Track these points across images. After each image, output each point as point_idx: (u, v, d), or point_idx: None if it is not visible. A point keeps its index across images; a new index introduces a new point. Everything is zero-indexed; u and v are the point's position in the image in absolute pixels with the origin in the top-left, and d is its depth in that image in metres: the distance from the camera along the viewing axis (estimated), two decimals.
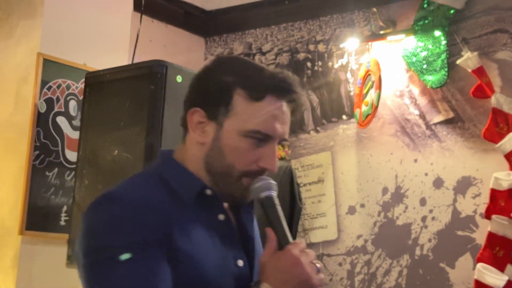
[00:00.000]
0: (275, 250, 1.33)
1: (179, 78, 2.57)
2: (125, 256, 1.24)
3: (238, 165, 1.36)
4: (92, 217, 1.31)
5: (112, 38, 3.26)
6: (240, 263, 1.38)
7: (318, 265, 1.31)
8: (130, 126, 2.60)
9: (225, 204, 1.45)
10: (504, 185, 2.93)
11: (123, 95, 2.65)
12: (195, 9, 4.20)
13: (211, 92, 1.40)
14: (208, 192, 1.40)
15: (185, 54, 4.22)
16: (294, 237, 3.67)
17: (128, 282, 1.24)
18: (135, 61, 3.24)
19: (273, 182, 1.38)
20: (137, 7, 3.38)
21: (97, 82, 2.74)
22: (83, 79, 2.79)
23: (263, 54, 4.08)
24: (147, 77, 2.58)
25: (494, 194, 2.96)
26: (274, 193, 1.38)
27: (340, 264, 3.53)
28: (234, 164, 1.37)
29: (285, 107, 1.39)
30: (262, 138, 1.36)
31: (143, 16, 3.40)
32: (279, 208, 1.36)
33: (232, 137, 1.37)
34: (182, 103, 2.60)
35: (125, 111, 2.63)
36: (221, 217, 1.40)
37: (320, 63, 3.82)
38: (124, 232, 1.26)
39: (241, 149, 1.36)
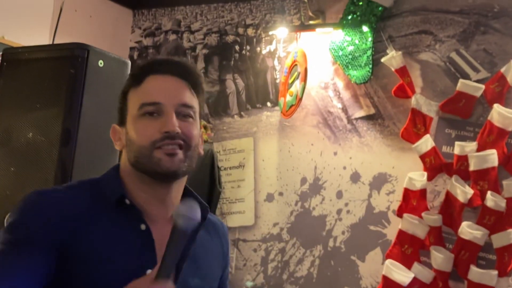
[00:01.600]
0: (149, 280, 1.27)
1: (100, 63, 2.50)
2: (9, 252, 1.30)
3: (144, 142, 1.41)
4: (18, 203, 1.38)
5: (33, 9, 3.15)
6: (149, 271, 1.33)
7: None
8: (47, 108, 2.52)
9: (164, 213, 1.45)
10: (417, 185, 3.00)
11: (42, 75, 2.55)
12: None
13: (118, 106, 1.50)
14: (127, 201, 1.43)
15: (112, 26, 4.12)
16: None
17: None
18: (59, 32, 3.13)
19: (197, 212, 1.31)
20: None
21: (15, 59, 2.64)
22: (1, 53, 2.68)
23: (192, 32, 4.02)
24: (67, 59, 2.50)
25: (407, 193, 3.04)
26: (191, 228, 1.29)
27: (255, 250, 3.56)
28: (141, 143, 1.41)
29: (170, 79, 1.45)
30: (153, 109, 1.41)
31: None
32: (181, 245, 1.29)
33: (132, 123, 1.44)
34: (103, 88, 2.58)
35: (43, 93, 2.54)
36: (143, 227, 1.42)
37: (248, 47, 3.80)
38: (18, 229, 1.33)
39: (140, 128, 1.42)
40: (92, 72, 2.47)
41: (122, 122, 1.49)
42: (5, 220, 1.38)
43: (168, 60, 1.49)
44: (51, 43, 3.06)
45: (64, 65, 2.48)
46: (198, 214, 1.32)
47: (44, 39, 3.09)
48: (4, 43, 2.83)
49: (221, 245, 1.60)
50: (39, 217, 1.34)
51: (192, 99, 1.46)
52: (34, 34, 2.86)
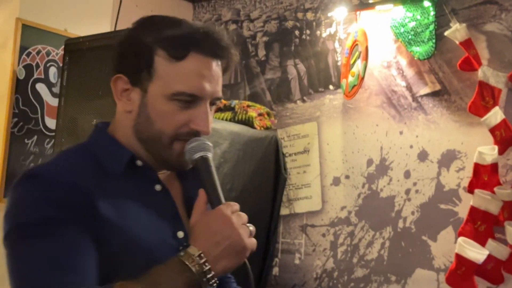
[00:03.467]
0: (205, 211, 1.26)
1: None
2: (42, 233, 1.19)
3: (167, 129, 1.31)
4: (11, 196, 1.26)
5: (94, 3, 3.21)
6: (180, 234, 1.33)
7: (251, 228, 1.25)
8: (109, 95, 2.56)
9: (165, 175, 1.40)
10: (488, 160, 2.90)
11: (103, 63, 2.61)
12: None
13: (132, 57, 1.33)
14: (139, 163, 1.34)
15: None
16: (278, 207, 3.66)
17: (45, 259, 1.17)
18: (119, 27, 3.19)
19: (208, 143, 1.33)
20: None
21: (76, 49, 2.71)
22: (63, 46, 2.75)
23: (251, 21, 4.02)
24: None
25: (478, 168, 2.94)
26: (210, 154, 1.32)
27: (323, 235, 3.52)
28: (163, 129, 1.31)
29: (213, 64, 1.32)
30: (189, 99, 1.30)
31: None
32: (213, 169, 1.31)
33: (158, 102, 1.31)
34: None
35: (105, 80, 2.59)
36: (158, 187, 1.35)
37: (308, 31, 3.77)
38: (42, 210, 1.21)
39: (168, 113, 1.30)
40: (117, 41, 2.50)
41: (136, 81, 1.33)
42: (6, 214, 1.25)
43: (215, 38, 1.34)
44: None
45: None
46: (206, 141, 1.33)
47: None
48: (66, 36, 2.90)
49: None
50: (58, 191, 1.23)
51: (221, 86, 1.39)
52: (96, 28, 2.92)
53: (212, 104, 1.36)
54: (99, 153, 1.34)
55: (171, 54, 1.30)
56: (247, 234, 1.23)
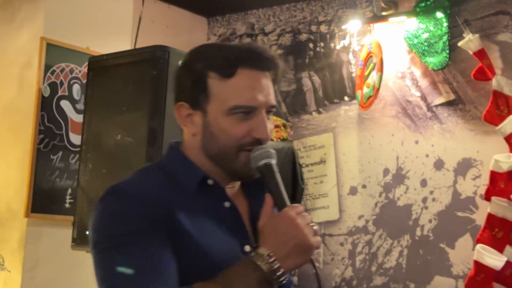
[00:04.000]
0: (272, 214, 1.35)
1: (181, 63, 2.59)
2: (129, 243, 1.30)
3: (231, 142, 1.39)
4: (98, 210, 1.37)
5: (114, 21, 3.28)
6: (247, 248, 1.41)
7: (315, 227, 1.32)
8: (133, 110, 2.63)
9: (232, 192, 1.49)
10: (504, 167, 2.95)
11: (126, 79, 2.67)
12: None
13: (188, 84, 1.43)
14: (210, 182, 1.43)
15: (188, 34, 4.23)
16: None
17: (133, 267, 1.28)
18: (138, 42, 3.26)
19: (271, 150, 1.41)
20: None
21: (100, 66, 2.77)
22: (86, 63, 2.82)
23: (266, 34, 4.08)
24: (149, 62, 2.61)
25: (494, 176, 2.98)
26: (273, 161, 1.40)
27: (341, 244, 3.57)
28: (227, 143, 1.40)
29: (261, 75, 1.42)
30: (246, 111, 1.38)
31: None
32: (277, 175, 1.39)
33: (218, 119, 1.40)
34: None
35: (128, 96, 2.66)
36: (227, 204, 1.44)
37: (322, 44, 3.83)
38: (127, 222, 1.32)
39: (229, 127, 1.39)
40: (173, 72, 2.56)
41: (196, 105, 1.44)
42: (94, 226, 1.36)
43: (259, 52, 1.44)
44: None
45: (147, 68, 2.59)
46: (270, 149, 1.40)
47: (125, 49, 3.22)
48: (89, 54, 2.97)
49: None
50: (141, 205, 1.33)
51: (274, 96, 1.48)
52: (116, 45, 2.99)
53: (268, 112, 1.45)
54: (174, 171, 1.44)
55: (221, 73, 1.40)
56: (312, 233, 1.31)
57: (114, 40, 3.15)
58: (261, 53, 1.43)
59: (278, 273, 1.29)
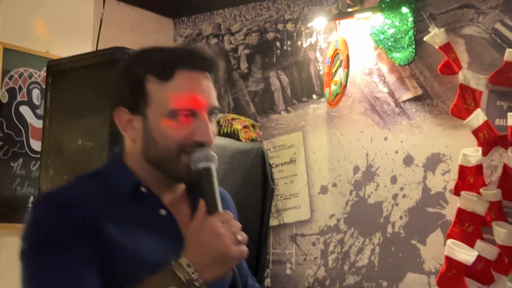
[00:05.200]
0: (201, 221, 1.32)
1: None
2: (55, 252, 1.30)
3: (171, 145, 1.37)
4: (29, 218, 1.36)
5: (75, 24, 3.22)
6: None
7: (239, 236, 1.30)
8: (94, 114, 2.58)
9: (173, 198, 1.46)
10: (473, 161, 2.93)
11: (86, 83, 2.62)
12: None
13: (127, 89, 1.42)
14: (143, 189, 1.42)
15: (154, 36, 4.17)
16: (267, 218, 3.66)
17: (55, 278, 1.28)
18: (101, 46, 3.20)
19: (213, 154, 1.40)
20: None
21: (59, 70, 2.71)
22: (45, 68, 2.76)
23: (232, 34, 4.04)
24: (109, 64, 2.56)
25: (463, 170, 2.96)
26: (213, 165, 1.39)
27: (313, 244, 3.53)
28: (168, 147, 1.38)
29: (201, 76, 1.40)
30: (186, 114, 1.37)
31: (109, 0, 3.34)
32: (213, 180, 1.37)
33: (158, 123, 1.38)
34: None
35: (88, 100, 2.61)
36: (163, 212, 1.42)
37: (289, 42, 3.79)
38: (53, 232, 1.32)
39: (169, 131, 1.37)
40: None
41: (135, 110, 1.42)
42: (23, 234, 1.35)
43: (197, 52, 1.42)
44: None
45: (107, 70, 2.54)
46: (211, 152, 1.39)
47: (87, 52, 3.16)
48: (49, 58, 2.90)
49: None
50: (68, 214, 1.33)
51: (216, 96, 1.46)
52: (77, 48, 2.93)
53: (210, 114, 1.43)
54: (110, 178, 1.42)
55: (159, 76, 1.38)
56: (234, 243, 1.28)
57: (75, 44, 3.09)
58: (200, 54, 1.41)
59: (197, 284, 1.28)
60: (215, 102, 1.44)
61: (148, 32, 4.13)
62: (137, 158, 1.43)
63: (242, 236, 1.31)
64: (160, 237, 1.40)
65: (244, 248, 1.31)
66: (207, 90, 1.41)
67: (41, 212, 1.36)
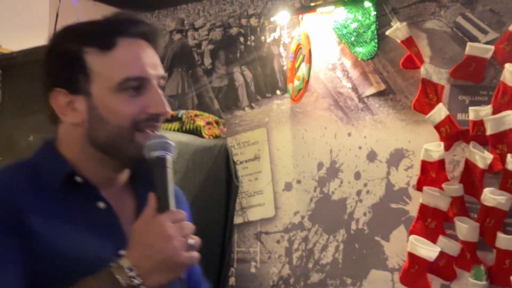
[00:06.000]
0: (149, 219, 1.19)
1: None
2: None
3: (124, 122, 1.26)
4: None
5: (30, 17, 3.14)
6: (123, 253, 1.22)
7: (191, 241, 1.17)
8: (46, 109, 2.51)
9: (114, 190, 1.34)
10: (435, 156, 2.90)
11: (38, 78, 2.54)
12: None
13: (62, 67, 1.29)
14: (78, 179, 1.28)
15: None
16: (231, 216, 3.60)
17: None
18: None
19: (170, 142, 1.26)
20: None
21: (10, 64, 2.64)
22: None
23: (196, 30, 3.98)
24: None
25: (425, 165, 2.94)
26: (169, 155, 1.25)
27: (278, 242, 3.49)
28: (119, 123, 1.26)
29: (145, 44, 1.30)
30: (137, 84, 1.26)
31: None
32: (168, 172, 1.23)
33: (106, 99, 1.26)
34: None
35: (40, 95, 2.53)
36: (101, 205, 1.30)
37: (253, 37, 3.74)
38: None
39: (120, 105, 1.26)
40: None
41: (76, 88, 1.28)
42: None
43: (136, 19, 1.32)
44: None
45: None
46: (168, 140, 1.26)
47: None
48: (2, 52, 2.83)
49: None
50: None
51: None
52: (32, 43, 2.84)
53: (159, 86, 1.32)
54: (39, 168, 1.30)
55: (100, 46, 1.27)
56: (184, 248, 1.16)
57: (30, 37, 3.00)
58: (139, 21, 1.31)
59: None
60: (162, 70, 1.33)
61: None
62: (78, 144, 1.30)
63: (195, 240, 1.18)
64: (97, 233, 1.27)
65: (195, 254, 1.18)
66: (153, 58, 1.31)
67: None
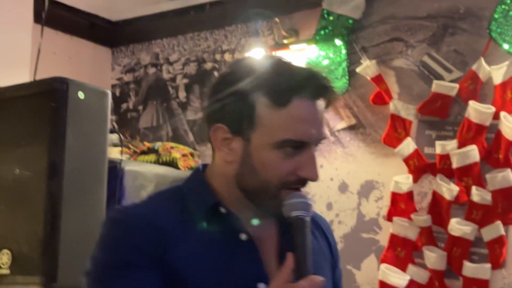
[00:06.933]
0: (285, 281, 1.17)
1: (81, 95, 2.54)
2: (117, 276, 1.21)
3: (274, 179, 1.23)
4: (100, 232, 1.29)
5: (11, 52, 3.18)
6: (261, 286, 1.24)
7: None
8: (32, 143, 2.55)
9: (259, 224, 1.32)
10: (404, 188, 3.05)
11: (24, 113, 2.60)
12: (101, 20, 4.17)
13: (232, 106, 1.26)
14: (222, 210, 1.27)
15: (91, 65, 4.18)
16: None
17: None
18: (38, 74, 3.18)
19: (310, 203, 1.25)
20: (38, 19, 3.32)
21: None
22: None
23: (171, 64, 4.08)
24: (48, 94, 2.54)
25: (395, 197, 3.08)
26: (308, 217, 1.23)
27: None
28: (269, 179, 1.23)
29: (316, 105, 1.26)
30: (296, 145, 1.23)
31: (46, 29, 3.33)
32: (308, 234, 1.21)
33: (263, 151, 1.23)
34: (85, 120, 2.51)
35: (27, 129, 2.58)
36: (243, 237, 1.27)
37: None
38: (118, 253, 1.22)
39: (274, 162, 1.23)
40: (73, 105, 2.50)
41: (238, 130, 1.25)
42: (94, 249, 1.27)
43: (317, 80, 1.27)
44: None
45: (45, 100, 2.52)
46: (309, 200, 1.25)
47: (25, 81, 3.14)
48: None
49: (328, 243, 1.45)
50: (133, 235, 1.22)
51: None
52: (15, 78, 2.90)
53: (316, 145, 1.29)
54: (188, 196, 1.29)
55: (274, 100, 1.23)
56: None
57: (13, 72, 3.06)
58: (319, 81, 1.27)
59: None
60: (324, 133, 1.29)
61: (86, 61, 4.13)
62: (227, 180, 1.28)
63: None
64: (237, 261, 1.25)
65: None
66: (320, 120, 1.26)
67: (106, 231, 1.27)
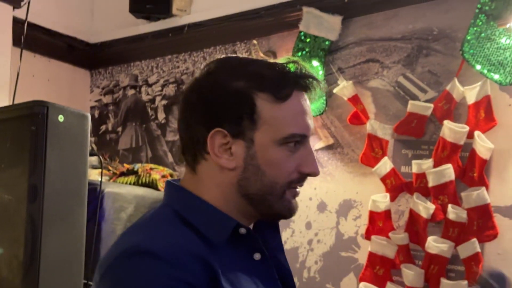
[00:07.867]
0: None
1: (61, 118, 2.56)
2: None
3: (281, 179, 1.20)
4: (122, 273, 1.11)
5: None
6: None
7: None
8: (12, 167, 2.56)
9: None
10: (381, 207, 3.09)
11: (3, 136, 2.61)
12: (79, 42, 4.19)
13: (228, 107, 1.19)
14: (242, 230, 1.21)
15: (70, 87, 4.20)
16: None
17: None
18: (17, 97, 3.19)
19: None
20: (17, 42, 3.34)
21: None
22: None
23: (149, 86, 4.11)
24: (27, 117, 2.55)
25: (373, 216, 3.12)
26: None
27: None
28: (276, 179, 1.20)
29: (306, 96, 1.24)
30: (298, 140, 1.20)
31: (25, 51, 3.36)
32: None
33: (269, 150, 1.19)
34: (65, 143, 2.52)
35: (6, 153, 2.59)
36: (257, 256, 1.23)
37: None
38: None
39: (280, 160, 1.19)
40: (53, 128, 2.51)
41: (239, 132, 1.18)
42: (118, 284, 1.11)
43: (307, 71, 1.25)
44: None
45: (25, 123, 2.53)
46: None
47: (3, 104, 3.14)
48: None
49: None
50: (176, 267, 1.09)
51: None
52: None
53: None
54: (195, 220, 1.19)
55: (276, 95, 1.18)
56: None
57: None
58: (310, 73, 1.25)
59: None
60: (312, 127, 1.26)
61: (64, 83, 4.15)
62: (222, 190, 1.21)
63: None
64: (261, 284, 1.22)
65: None
66: (311, 112, 1.25)
67: (138, 267, 1.09)
